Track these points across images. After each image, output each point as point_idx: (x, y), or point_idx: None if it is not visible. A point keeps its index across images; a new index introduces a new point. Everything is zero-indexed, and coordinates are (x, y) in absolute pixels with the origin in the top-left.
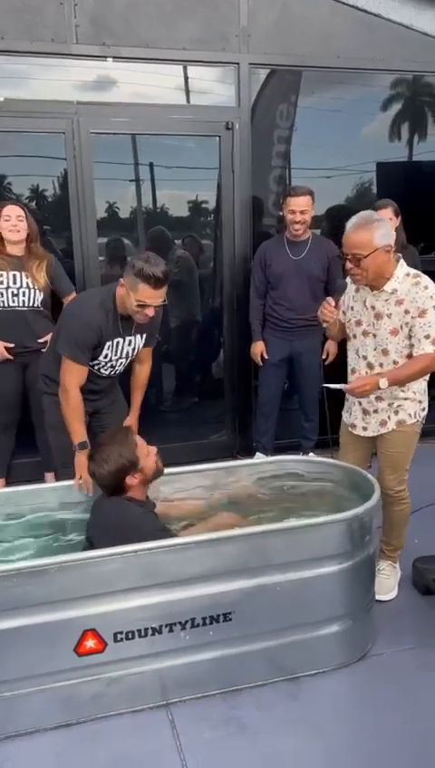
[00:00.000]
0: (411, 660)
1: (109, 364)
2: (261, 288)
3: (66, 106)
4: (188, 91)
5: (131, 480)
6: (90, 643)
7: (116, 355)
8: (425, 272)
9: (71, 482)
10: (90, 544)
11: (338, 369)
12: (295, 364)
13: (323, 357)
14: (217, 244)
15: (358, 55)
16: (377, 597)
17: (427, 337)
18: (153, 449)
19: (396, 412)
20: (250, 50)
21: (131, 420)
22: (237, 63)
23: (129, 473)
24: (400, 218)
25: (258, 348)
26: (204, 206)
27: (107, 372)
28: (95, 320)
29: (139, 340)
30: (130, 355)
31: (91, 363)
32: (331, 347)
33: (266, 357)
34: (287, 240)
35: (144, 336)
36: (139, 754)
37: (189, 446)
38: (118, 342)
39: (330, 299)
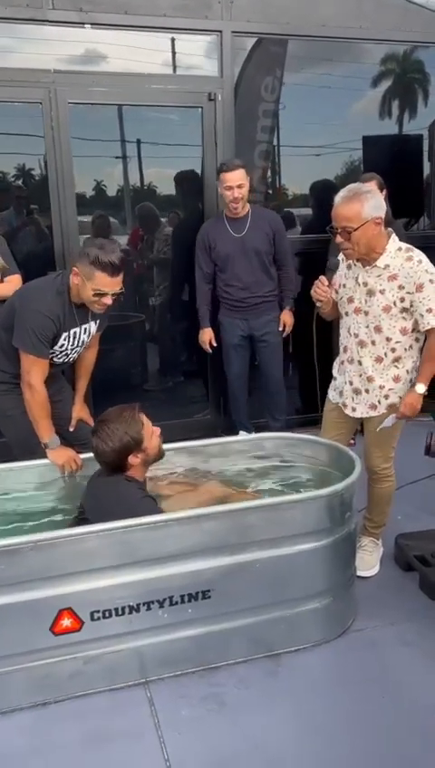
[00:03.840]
0: (391, 636)
1: (63, 353)
2: (208, 272)
3: (43, 75)
4: (169, 61)
5: (133, 459)
6: (66, 622)
7: (72, 344)
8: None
9: (47, 460)
10: (83, 520)
11: (325, 345)
12: (255, 343)
13: (281, 328)
14: (201, 219)
15: (342, 24)
16: (359, 573)
17: (429, 311)
18: (157, 430)
19: (386, 396)
20: (233, 17)
21: (77, 407)
22: (220, 31)
23: (132, 452)
24: (385, 192)
25: (206, 335)
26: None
27: (60, 361)
28: (53, 312)
29: (93, 327)
30: (84, 342)
31: None
32: (286, 318)
33: (215, 344)
34: (227, 218)
35: (98, 322)
36: (117, 732)
37: (174, 424)
38: (75, 332)
39: (323, 277)
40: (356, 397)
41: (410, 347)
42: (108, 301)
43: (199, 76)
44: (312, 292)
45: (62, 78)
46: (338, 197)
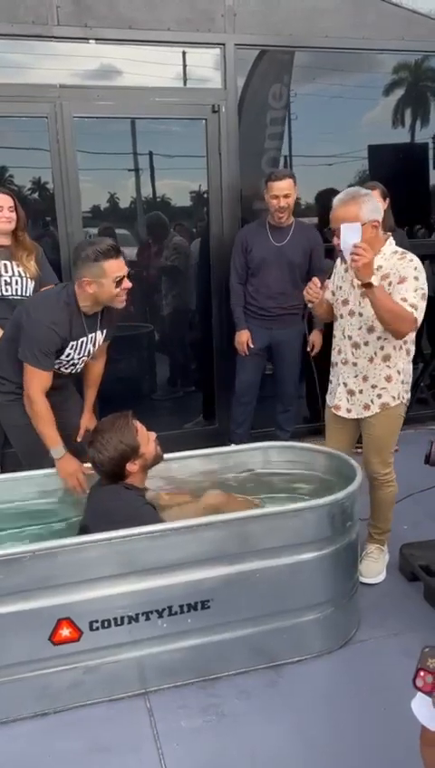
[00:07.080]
0: (394, 646)
1: (70, 363)
2: (242, 274)
3: (48, 90)
4: (173, 74)
5: (132, 466)
6: (65, 632)
7: (78, 354)
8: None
9: (50, 470)
10: (85, 529)
11: (323, 357)
12: (275, 353)
13: (309, 349)
14: (205, 230)
15: (345, 34)
16: (365, 580)
17: (404, 300)
18: (152, 435)
19: (379, 395)
20: (236, 30)
21: (86, 417)
22: (223, 44)
23: (129, 459)
24: (388, 201)
25: (244, 336)
26: (191, 191)
27: (68, 371)
28: (59, 323)
29: (100, 336)
30: (91, 352)
31: None
32: (316, 338)
33: (252, 345)
34: (270, 225)
35: (105, 331)
36: (116, 743)
37: (180, 434)
38: (82, 341)
39: (316, 278)
40: (350, 398)
41: (400, 347)
42: (128, 283)
43: (203, 89)
44: (304, 292)
45: (67, 92)
46: (336, 200)
